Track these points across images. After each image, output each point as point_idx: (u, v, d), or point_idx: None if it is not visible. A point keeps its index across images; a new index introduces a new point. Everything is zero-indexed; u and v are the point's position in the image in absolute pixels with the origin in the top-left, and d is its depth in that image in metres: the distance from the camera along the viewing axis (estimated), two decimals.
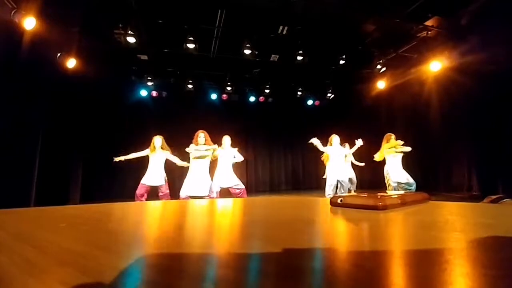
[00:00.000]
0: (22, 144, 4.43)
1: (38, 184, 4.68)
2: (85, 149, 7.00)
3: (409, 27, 5.72)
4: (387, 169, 5.12)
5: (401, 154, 5.09)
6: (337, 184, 5.34)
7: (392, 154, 5.05)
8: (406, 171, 5.04)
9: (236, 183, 4.65)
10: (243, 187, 4.73)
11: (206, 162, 4.54)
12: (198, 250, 0.27)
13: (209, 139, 4.56)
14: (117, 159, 4.82)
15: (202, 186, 4.37)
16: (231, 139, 4.87)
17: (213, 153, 4.58)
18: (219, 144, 4.76)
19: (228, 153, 4.74)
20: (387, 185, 5.13)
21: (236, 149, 4.82)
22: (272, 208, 0.63)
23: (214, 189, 4.53)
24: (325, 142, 5.55)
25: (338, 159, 5.30)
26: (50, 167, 5.13)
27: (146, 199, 4.62)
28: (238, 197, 4.56)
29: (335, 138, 5.33)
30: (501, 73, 4.87)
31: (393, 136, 5.13)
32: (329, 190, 5.27)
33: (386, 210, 0.45)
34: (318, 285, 0.18)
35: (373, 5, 5.07)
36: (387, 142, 5.14)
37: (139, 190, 4.66)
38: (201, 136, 4.50)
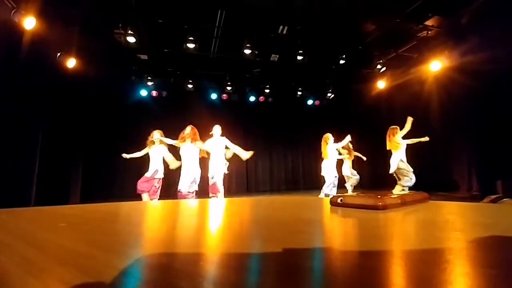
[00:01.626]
0: (22, 144, 4.43)
1: (38, 184, 4.68)
2: (85, 149, 7.00)
3: (409, 27, 5.72)
4: (399, 158, 5.09)
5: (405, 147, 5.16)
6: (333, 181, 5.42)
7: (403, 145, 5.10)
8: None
9: (215, 174, 4.56)
10: (215, 183, 4.58)
11: (196, 157, 4.50)
12: (198, 250, 0.27)
13: (193, 133, 4.50)
14: (126, 156, 4.91)
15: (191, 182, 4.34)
16: (230, 138, 4.85)
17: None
18: (210, 136, 4.69)
19: (219, 143, 4.65)
20: (399, 177, 5.15)
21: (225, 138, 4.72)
22: (272, 208, 0.63)
23: (215, 177, 4.50)
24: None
25: (333, 157, 5.45)
26: (50, 167, 5.13)
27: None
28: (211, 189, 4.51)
29: (331, 137, 5.46)
30: (501, 73, 4.86)
31: (398, 129, 5.15)
32: (326, 189, 5.32)
33: (386, 210, 0.45)
34: (318, 284, 0.18)
35: (373, 5, 5.07)
36: (393, 135, 5.13)
37: (158, 184, 4.74)
38: (188, 130, 4.47)
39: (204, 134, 4.68)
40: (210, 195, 4.51)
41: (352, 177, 6.49)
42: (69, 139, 6.00)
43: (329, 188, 5.33)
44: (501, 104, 5.12)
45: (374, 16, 5.40)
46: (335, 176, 5.37)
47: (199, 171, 4.47)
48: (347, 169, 6.49)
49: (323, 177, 5.47)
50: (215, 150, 4.62)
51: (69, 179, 6.28)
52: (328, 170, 5.43)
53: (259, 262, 0.23)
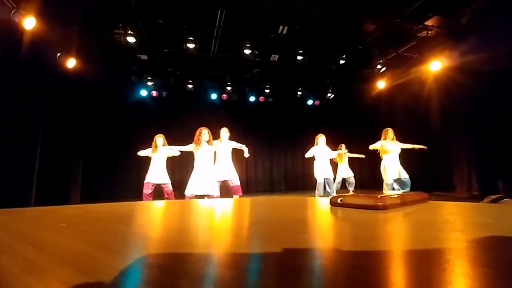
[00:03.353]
0: (22, 144, 4.43)
1: (38, 184, 4.67)
2: (85, 149, 7.00)
3: (409, 27, 5.72)
4: (384, 165, 5.09)
5: (399, 151, 5.05)
6: (324, 182, 5.42)
7: (385, 150, 5.03)
8: (405, 170, 5.03)
9: (232, 177, 4.58)
10: (239, 183, 4.64)
11: (211, 160, 4.49)
12: (198, 250, 0.27)
13: (211, 135, 4.55)
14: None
15: (208, 185, 4.33)
16: (231, 138, 4.85)
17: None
18: (218, 137, 4.72)
19: (227, 146, 4.65)
20: (384, 183, 5.11)
21: (234, 142, 4.76)
22: (272, 208, 0.63)
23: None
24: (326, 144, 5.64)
25: (324, 159, 5.45)
26: (50, 167, 5.13)
27: (152, 199, 4.64)
28: (232, 192, 4.54)
29: (321, 138, 5.49)
30: (501, 73, 4.86)
31: (390, 130, 5.11)
32: (319, 190, 5.34)
33: (386, 210, 0.45)
34: (318, 285, 0.18)
35: (373, 5, 5.07)
36: (385, 137, 5.11)
37: (146, 189, 4.67)
38: (205, 132, 4.45)
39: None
40: (235, 196, 4.50)
41: (348, 178, 6.49)
42: (69, 139, 6.00)
43: (319, 191, 5.35)
44: (501, 104, 5.11)
45: (374, 16, 5.40)
46: (325, 178, 5.38)
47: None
48: (343, 171, 6.49)
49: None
50: (222, 153, 4.61)
51: (69, 179, 6.28)
52: (315, 171, 5.44)
53: (259, 262, 0.23)
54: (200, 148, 4.38)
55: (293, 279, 0.18)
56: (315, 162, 5.52)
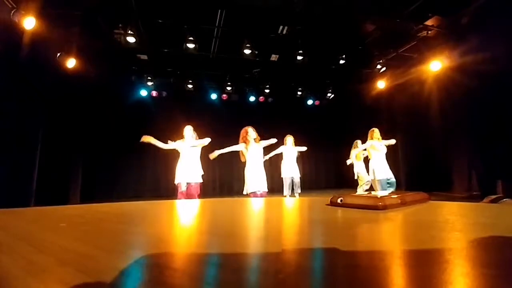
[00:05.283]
0: (22, 144, 4.43)
1: (38, 184, 4.67)
2: (85, 149, 7.00)
3: (409, 27, 5.72)
4: (373, 165, 5.03)
5: (385, 150, 4.99)
6: (292, 182, 5.50)
7: (375, 150, 5.00)
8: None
9: (196, 180, 4.35)
10: (199, 189, 4.39)
11: (261, 157, 4.57)
12: (198, 250, 0.27)
13: (256, 133, 4.52)
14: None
15: (262, 182, 4.45)
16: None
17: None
18: (182, 137, 4.38)
19: (189, 145, 4.35)
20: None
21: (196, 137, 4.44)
22: (272, 208, 0.63)
23: (183, 187, 4.25)
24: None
25: (291, 158, 5.55)
26: (50, 167, 5.13)
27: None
28: (188, 195, 4.28)
29: (289, 139, 5.64)
30: (501, 73, 4.86)
31: (376, 130, 5.06)
32: (286, 189, 5.47)
33: (386, 210, 0.45)
34: (319, 285, 0.18)
35: (373, 5, 5.07)
36: (371, 137, 5.05)
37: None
38: (251, 130, 4.45)
39: (204, 135, 4.63)
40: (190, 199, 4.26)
41: (364, 179, 6.31)
42: (69, 139, 6.00)
43: (286, 189, 5.41)
44: (501, 104, 5.11)
45: (374, 16, 5.40)
46: (290, 177, 5.47)
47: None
48: (361, 169, 6.34)
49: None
50: (185, 153, 4.34)
51: (69, 179, 6.28)
52: (282, 170, 5.55)
53: (259, 262, 0.23)
54: (249, 147, 4.42)
55: (294, 279, 0.18)
56: (282, 161, 5.61)
